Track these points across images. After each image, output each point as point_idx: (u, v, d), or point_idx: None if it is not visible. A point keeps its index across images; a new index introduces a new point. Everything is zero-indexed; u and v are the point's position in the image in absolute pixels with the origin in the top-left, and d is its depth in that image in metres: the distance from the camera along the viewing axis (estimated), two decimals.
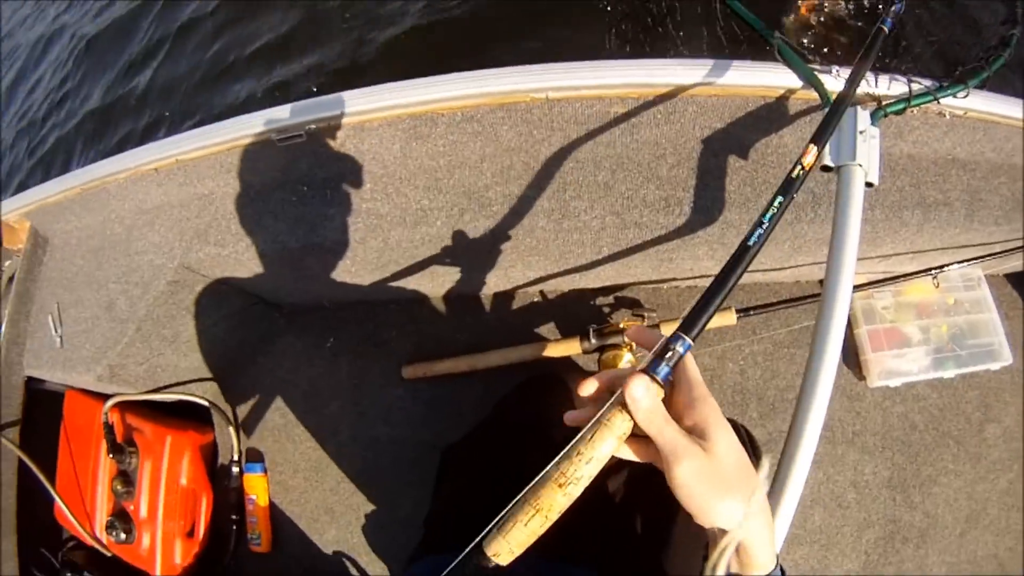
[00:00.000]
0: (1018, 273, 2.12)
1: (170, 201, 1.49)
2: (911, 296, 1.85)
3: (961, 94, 1.33)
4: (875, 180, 1.03)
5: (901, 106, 1.25)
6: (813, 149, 0.78)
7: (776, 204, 0.70)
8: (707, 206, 1.33)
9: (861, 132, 1.04)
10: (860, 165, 1.00)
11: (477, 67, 1.25)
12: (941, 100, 1.30)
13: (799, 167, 0.74)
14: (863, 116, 1.06)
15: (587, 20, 2.56)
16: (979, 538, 1.90)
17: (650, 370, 0.55)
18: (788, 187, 0.72)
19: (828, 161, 1.03)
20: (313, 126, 1.28)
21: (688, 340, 0.57)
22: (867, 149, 1.03)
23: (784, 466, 0.73)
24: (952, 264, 1.61)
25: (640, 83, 1.25)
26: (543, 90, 1.24)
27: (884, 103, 1.25)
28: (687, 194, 1.32)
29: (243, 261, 1.44)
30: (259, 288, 1.70)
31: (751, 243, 0.66)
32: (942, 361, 1.81)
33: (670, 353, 0.56)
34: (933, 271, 1.57)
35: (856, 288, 1.63)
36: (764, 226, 0.67)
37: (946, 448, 1.93)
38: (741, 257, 0.65)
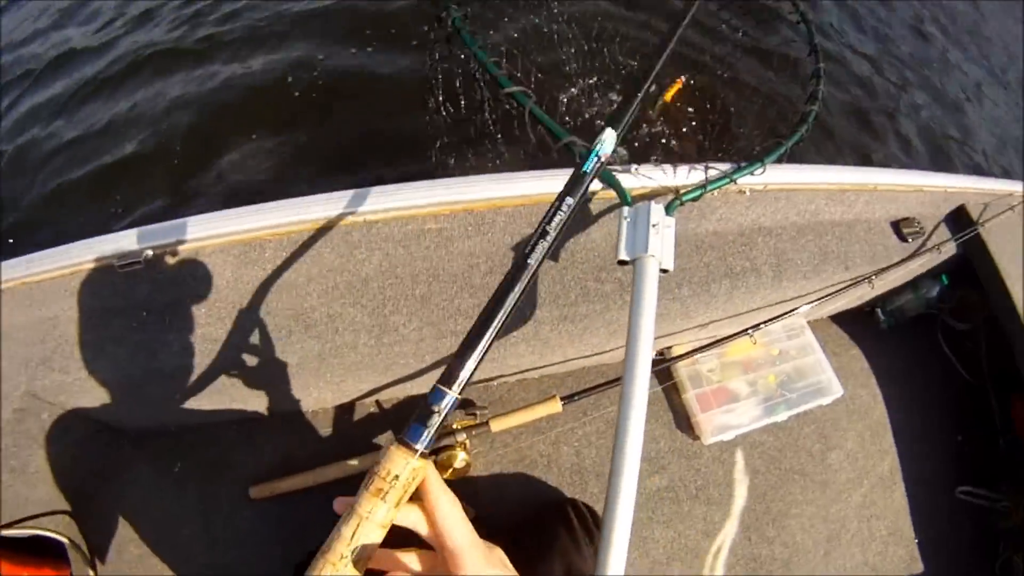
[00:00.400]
0: (840, 312, 2.33)
1: (14, 324, 1.42)
2: (735, 355, 1.98)
3: (758, 171, 1.46)
4: (670, 266, 1.09)
5: (697, 193, 1.35)
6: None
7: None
8: (519, 307, 1.39)
9: (654, 225, 1.11)
10: (653, 256, 1.08)
11: (305, 193, 1.30)
12: (738, 180, 1.43)
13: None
14: (656, 210, 1.14)
15: (411, 143, 2.67)
16: (845, 553, 2.03)
17: (407, 439, 0.55)
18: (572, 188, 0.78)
19: (624, 255, 1.09)
20: (151, 252, 1.27)
21: (452, 393, 0.57)
22: (660, 240, 1.09)
23: (604, 534, 0.72)
24: (766, 322, 1.73)
25: (450, 200, 1.32)
26: (360, 214, 1.30)
27: (682, 192, 1.35)
28: None
29: (88, 388, 1.37)
30: (106, 415, 1.62)
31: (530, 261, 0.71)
32: (773, 407, 1.95)
33: (434, 415, 0.56)
34: (749, 331, 1.69)
35: (679, 357, 1.74)
36: (548, 237, 0.73)
37: (792, 483, 2.06)
38: (517, 276, 0.70)
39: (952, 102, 5.89)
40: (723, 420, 1.88)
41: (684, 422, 1.95)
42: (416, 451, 0.55)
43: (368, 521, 0.52)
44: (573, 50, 3.04)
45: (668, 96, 3.37)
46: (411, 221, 1.36)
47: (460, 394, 0.59)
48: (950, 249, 2.03)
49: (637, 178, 1.38)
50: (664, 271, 1.10)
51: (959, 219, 2.14)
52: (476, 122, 1.99)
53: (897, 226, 1.97)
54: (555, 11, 3.13)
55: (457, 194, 1.33)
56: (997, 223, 2.09)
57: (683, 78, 3.46)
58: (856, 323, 2.36)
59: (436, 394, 0.58)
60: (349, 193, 1.31)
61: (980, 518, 2.23)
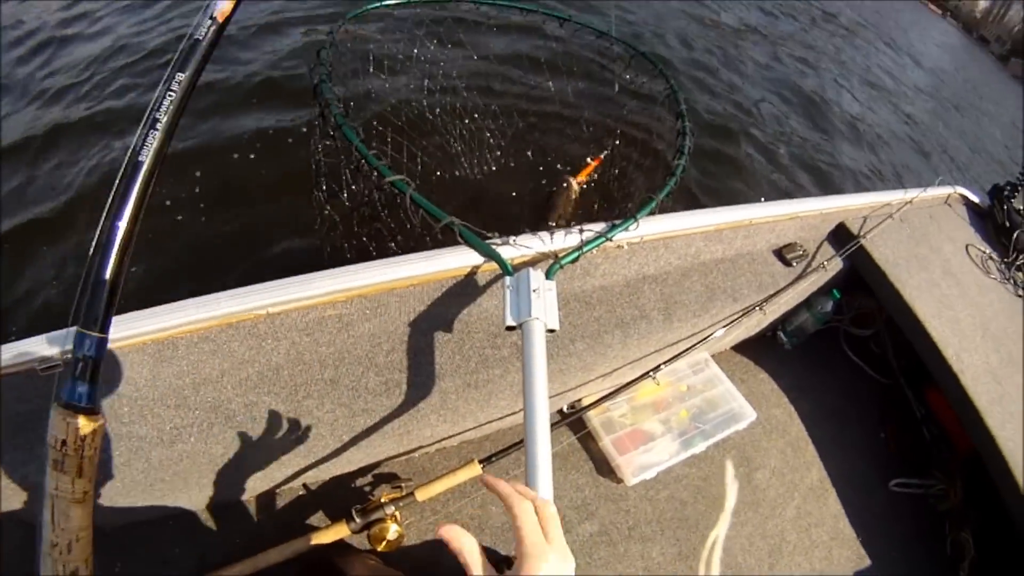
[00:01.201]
0: (742, 341, 2.44)
1: None
2: (645, 398, 2.05)
3: (632, 227, 1.54)
4: (555, 326, 1.15)
5: (575, 255, 1.42)
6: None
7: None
8: (424, 381, 1.44)
9: (535, 290, 1.17)
10: (537, 318, 1.13)
11: (207, 291, 1.32)
12: (615, 238, 1.51)
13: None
14: (536, 276, 1.20)
15: (303, 234, 2.75)
16: (789, 563, 2.07)
17: (64, 398, 0.51)
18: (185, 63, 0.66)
19: (510, 321, 1.15)
20: (70, 355, 1.27)
21: (94, 335, 0.52)
22: (543, 303, 1.15)
23: None
24: (665, 362, 1.80)
25: (345, 288, 1.36)
26: (263, 307, 1.32)
27: (560, 256, 1.42)
28: (404, 374, 1.43)
29: (16, 491, 1.35)
30: (35, 516, 1.59)
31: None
32: (690, 441, 2.01)
33: (79, 363, 0.51)
34: (650, 373, 1.76)
35: (588, 407, 1.79)
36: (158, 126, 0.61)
37: (721, 508, 2.11)
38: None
39: (822, 128, 6.33)
40: (642, 460, 1.93)
41: (605, 467, 1.98)
42: (79, 409, 0.51)
43: (60, 499, 0.49)
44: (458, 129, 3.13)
45: (583, 175, 3.41)
46: (311, 310, 1.38)
47: (103, 333, 0.53)
48: (836, 265, 2.15)
49: (516, 248, 1.45)
50: (551, 331, 1.16)
51: (841, 236, 2.28)
52: (363, 211, 2.04)
53: (780, 253, 2.09)
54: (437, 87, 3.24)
55: (350, 281, 1.36)
56: (879, 232, 2.23)
57: (601, 156, 3.56)
58: (759, 348, 2.46)
59: (79, 339, 0.52)
60: (252, 288, 1.33)
61: (918, 506, 2.32)
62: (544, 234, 1.51)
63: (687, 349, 1.83)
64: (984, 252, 2.69)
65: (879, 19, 16.49)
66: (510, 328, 1.16)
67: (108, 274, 0.53)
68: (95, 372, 0.50)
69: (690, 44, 6.50)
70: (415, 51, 2.71)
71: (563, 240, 1.51)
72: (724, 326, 1.90)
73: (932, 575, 2.18)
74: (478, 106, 3.16)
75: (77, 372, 0.49)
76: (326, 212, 2.16)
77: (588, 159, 3.53)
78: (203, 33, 0.66)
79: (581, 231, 1.51)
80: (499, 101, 3.46)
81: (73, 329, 0.61)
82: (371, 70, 2.48)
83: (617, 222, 1.54)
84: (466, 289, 1.49)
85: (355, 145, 1.44)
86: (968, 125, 12.39)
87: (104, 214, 0.56)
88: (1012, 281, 2.65)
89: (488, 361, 1.48)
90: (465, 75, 3.41)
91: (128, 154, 0.59)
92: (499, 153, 3.30)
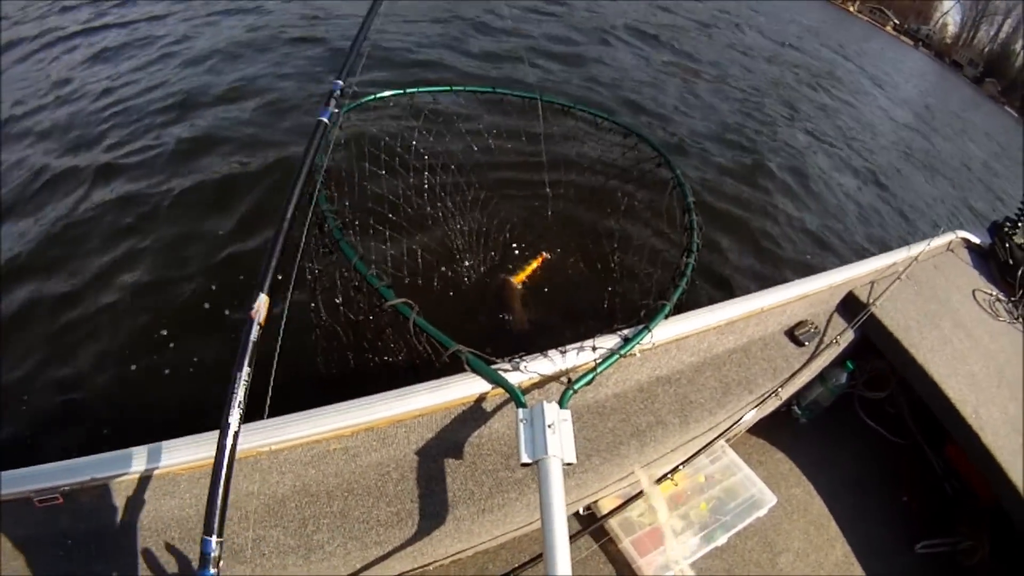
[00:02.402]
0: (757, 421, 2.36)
1: None
2: (662, 493, 1.95)
3: (646, 340, 1.48)
4: (572, 459, 1.08)
5: (590, 377, 1.35)
6: None
7: None
8: (436, 510, 1.35)
9: (550, 425, 1.10)
10: (554, 455, 1.06)
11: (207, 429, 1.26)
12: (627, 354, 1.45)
13: None
14: (550, 410, 1.12)
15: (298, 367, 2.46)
16: None
17: None
18: None
19: (526, 459, 1.07)
20: (67, 488, 1.22)
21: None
22: (558, 438, 1.09)
23: None
24: (684, 463, 1.72)
25: (350, 424, 1.31)
26: (265, 445, 1.27)
27: (573, 381, 1.34)
28: (415, 504, 1.34)
29: None
30: None
31: None
32: (711, 534, 1.91)
33: None
34: (667, 476, 1.68)
35: (606, 516, 1.71)
36: None
37: None
38: None
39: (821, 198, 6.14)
40: (663, 559, 1.82)
41: (627, 570, 1.87)
42: None
43: None
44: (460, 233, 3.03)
45: (523, 275, 3.16)
46: (315, 445, 1.32)
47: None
48: (848, 336, 2.09)
49: (526, 373, 1.38)
50: (568, 464, 1.09)
51: (850, 306, 2.21)
52: (367, 336, 1.97)
53: (792, 333, 2.02)
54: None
55: (355, 417, 1.31)
56: (887, 296, 2.17)
57: (544, 254, 3.31)
58: (775, 426, 2.37)
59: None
60: (253, 426, 1.28)
61: (947, 566, 2.22)
62: (554, 352, 1.44)
63: (705, 446, 1.75)
64: (991, 295, 2.65)
65: (861, 60, 16.75)
66: (525, 465, 1.09)
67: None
68: None
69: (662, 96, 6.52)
70: (413, 143, 2.66)
71: (575, 357, 1.45)
72: (740, 418, 1.82)
73: None
74: (478, 199, 3.11)
75: None
76: (325, 342, 2.08)
77: (538, 255, 3.34)
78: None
79: (593, 347, 1.45)
80: (499, 191, 3.42)
81: None
82: (367, 166, 2.44)
83: (629, 333, 1.48)
84: (476, 413, 1.42)
85: (354, 263, 1.39)
86: (956, 154, 12.50)
87: None
88: (1021, 320, 2.60)
89: (503, 484, 1.39)
90: (465, 165, 3.28)
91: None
92: (506, 241, 3.25)
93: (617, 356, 1.40)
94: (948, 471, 2.42)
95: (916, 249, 2.55)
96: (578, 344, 1.46)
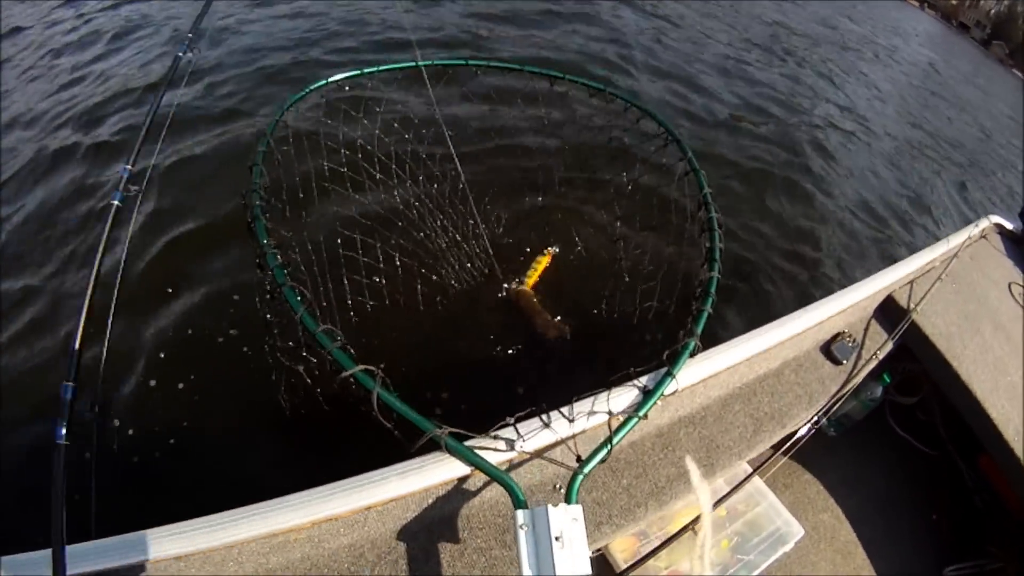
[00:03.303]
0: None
1: None
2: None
3: (669, 387, 1.23)
4: (588, 570, 0.86)
5: (603, 455, 1.10)
6: None
7: None
8: None
9: (558, 538, 0.86)
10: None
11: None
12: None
13: None
14: (557, 516, 0.88)
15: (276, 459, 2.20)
16: None
17: None
18: None
19: (528, 573, 0.86)
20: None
21: None
22: (570, 551, 0.85)
23: None
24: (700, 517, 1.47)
25: (309, 519, 1.10)
26: (219, 541, 1.08)
27: (583, 461, 1.09)
28: None
29: None
30: None
31: None
32: None
33: None
34: (691, 528, 1.43)
35: (623, 573, 1.46)
36: None
37: None
38: None
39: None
40: None
41: None
42: None
43: None
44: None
45: (533, 278, 2.77)
46: (274, 536, 1.10)
47: None
48: (887, 347, 1.84)
49: (523, 453, 1.14)
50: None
51: (889, 312, 1.95)
52: (326, 410, 1.68)
53: (828, 349, 1.75)
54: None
55: (315, 512, 1.08)
56: (928, 299, 1.93)
57: (552, 249, 2.91)
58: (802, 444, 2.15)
59: None
60: (197, 523, 1.08)
61: None
62: (558, 417, 1.18)
63: (732, 491, 1.51)
64: None
65: (869, 22, 16.03)
66: None
67: None
68: None
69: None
70: (376, 131, 2.32)
71: (584, 421, 1.20)
72: (771, 455, 1.59)
73: None
74: (457, 189, 2.65)
75: None
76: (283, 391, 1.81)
77: (544, 251, 2.91)
78: None
79: (608, 410, 1.19)
80: (485, 178, 2.98)
81: None
82: (325, 164, 2.11)
83: (648, 383, 1.22)
84: (462, 490, 1.16)
85: (299, 317, 1.12)
86: (971, 129, 11.97)
87: None
88: None
89: (497, 565, 1.14)
90: (440, 156, 2.71)
91: None
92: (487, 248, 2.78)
93: (636, 419, 1.13)
94: (979, 484, 2.21)
95: (954, 241, 2.30)
96: (588, 400, 1.20)
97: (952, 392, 1.87)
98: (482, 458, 1.04)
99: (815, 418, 1.61)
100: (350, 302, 2.14)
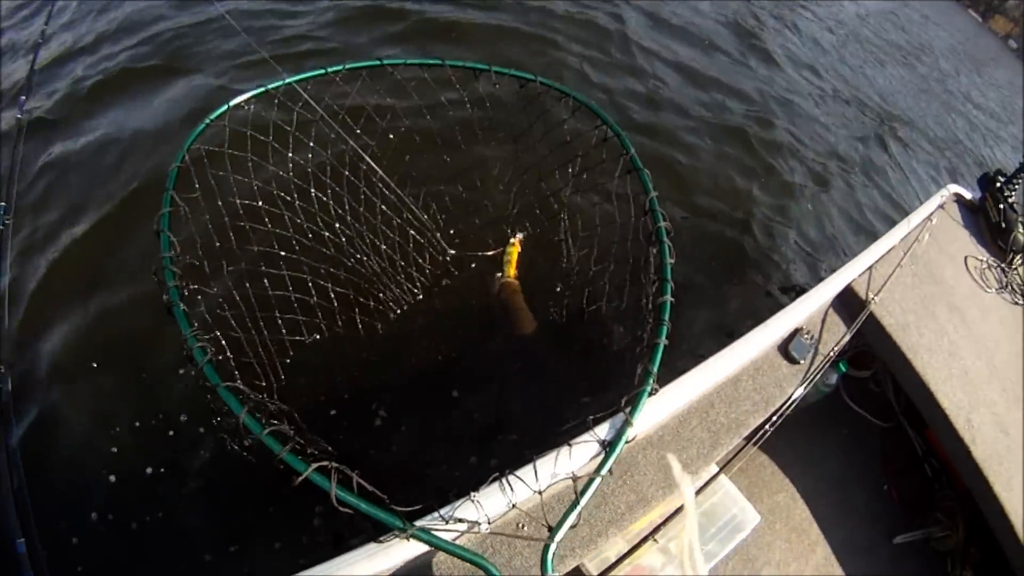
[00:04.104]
0: None
1: None
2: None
3: (629, 435, 1.21)
4: None
5: (574, 517, 1.08)
6: None
7: None
8: None
9: None
10: None
11: None
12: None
13: None
14: None
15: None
16: None
17: None
18: None
19: None
20: None
21: None
22: None
23: None
24: (664, 522, 1.50)
25: None
26: None
27: (553, 530, 1.06)
28: None
29: None
30: None
31: None
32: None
33: None
34: (653, 537, 1.47)
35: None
36: None
37: None
38: None
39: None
40: None
41: None
42: None
43: None
44: None
45: (512, 268, 2.58)
46: None
47: None
48: (845, 339, 1.86)
49: (493, 525, 1.12)
50: None
51: (847, 302, 1.96)
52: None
53: (786, 349, 1.76)
54: None
55: None
56: (887, 287, 1.95)
57: (520, 235, 2.67)
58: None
59: None
60: None
61: (922, 553, 2.15)
62: (518, 483, 1.16)
63: (699, 491, 1.53)
64: (982, 261, 2.48)
65: None
66: None
67: None
68: None
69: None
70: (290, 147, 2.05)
71: (550, 482, 1.18)
72: (729, 460, 1.65)
73: None
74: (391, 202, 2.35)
75: None
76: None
77: (511, 240, 2.67)
78: None
79: (572, 472, 1.18)
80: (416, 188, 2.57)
81: None
82: (237, 201, 1.91)
83: (607, 434, 1.21)
84: (434, 559, 1.15)
85: (241, 418, 1.04)
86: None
87: None
88: (1010, 287, 2.46)
89: None
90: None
91: None
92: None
93: (599, 479, 1.12)
94: (928, 452, 2.30)
95: (915, 220, 2.30)
96: (550, 458, 1.19)
97: (906, 381, 1.92)
98: (454, 544, 1.02)
99: (773, 418, 1.63)
100: (288, 344, 2.01)
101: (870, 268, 2.01)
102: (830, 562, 2.08)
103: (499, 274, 2.53)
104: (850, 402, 2.42)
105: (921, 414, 1.92)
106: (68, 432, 2.17)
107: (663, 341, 1.27)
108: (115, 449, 2.14)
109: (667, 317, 1.32)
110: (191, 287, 1.31)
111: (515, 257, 2.60)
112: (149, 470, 2.10)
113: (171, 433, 2.17)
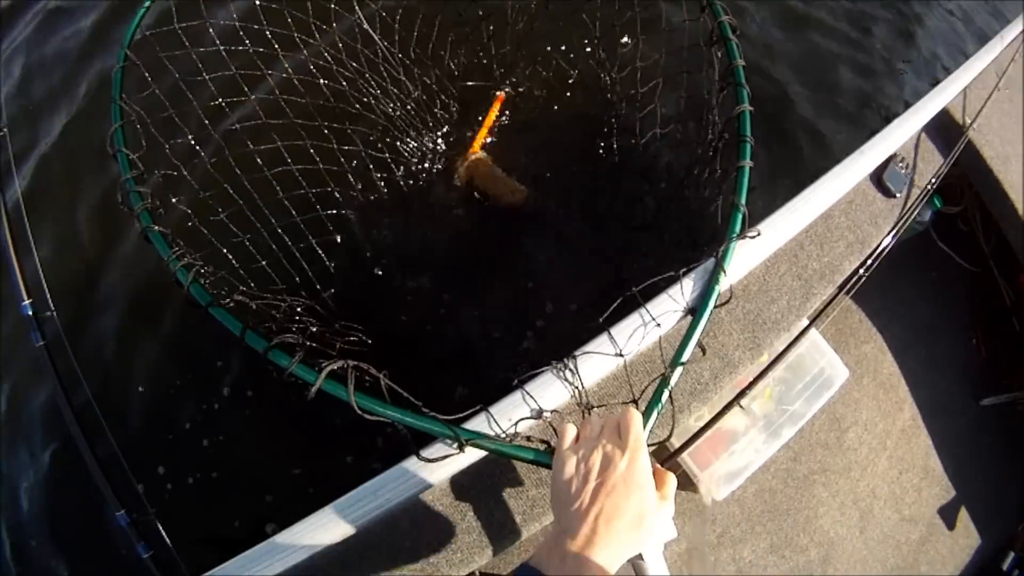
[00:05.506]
0: None
1: None
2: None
3: (719, 293, 1.02)
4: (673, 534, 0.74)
5: (654, 416, 0.91)
6: None
7: None
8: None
9: None
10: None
11: None
12: None
13: None
14: None
15: None
16: (880, 520, 1.82)
17: None
18: None
19: None
20: None
21: None
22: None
23: None
24: (750, 385, 1.31)
25: None
26: None
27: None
28: None
29: None
30: None
31: None
32: (778, 430, 1.56)
33: None
34: (737, 402, 1.28)
35: (675, 453, 1.32)
36: None
37: (813, 484, 1.79)
38: None
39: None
40: (727, 469, 1.51)
41: (683, 478, 1.55)
42: None
43: None
44: None
45: (480, 138, 2.20)
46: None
47: None
48: (942, 171, 1.59)
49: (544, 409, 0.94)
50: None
51: (943, 129, 1.66)
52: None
53: (879, 179, 1.50)
54: None
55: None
56: (984, 112, 1.64)
57: (501, 92, 2.26)
58: None
59: None
60: None
61: (1010, 417, 1.97)
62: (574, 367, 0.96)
63: (788, 347, 1.35)
64: None
65: None
66: None
67: None
68: None
69: None
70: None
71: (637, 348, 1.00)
72: (814, 319, 1.41)
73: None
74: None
75: None
76: None
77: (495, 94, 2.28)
78: None
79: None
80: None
81: None
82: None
83: (690, 299, 1.01)
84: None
85: (242, 336, 0.90)
86: None
87: None
88: None
89: (537, 504, 1.01)
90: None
91: None
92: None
93: (692, 342, 0.93)
94: (1019, 302, 2.05)
95: (1007, 37, 1.92)
96: (626, 326, 1.00)
97: (1004, 220, 1.69)
98: (514, 447, 0.85)
99: (868, 262, 1.40)
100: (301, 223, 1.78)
101: (964, 90, 1.68)
102: (916, 423, 1.93)
103: (459, 159, 2.16)
104: (938, 240, 2.15)
105: (1016, 258, 1.70)
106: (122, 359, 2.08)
107: (748, 163, 1.03)
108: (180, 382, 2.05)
109: (748, 132, 1.07)
110: (174, 199, 1.11)
111: (489, 120, 2.22)
112: (212, 397, 2.00)
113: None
